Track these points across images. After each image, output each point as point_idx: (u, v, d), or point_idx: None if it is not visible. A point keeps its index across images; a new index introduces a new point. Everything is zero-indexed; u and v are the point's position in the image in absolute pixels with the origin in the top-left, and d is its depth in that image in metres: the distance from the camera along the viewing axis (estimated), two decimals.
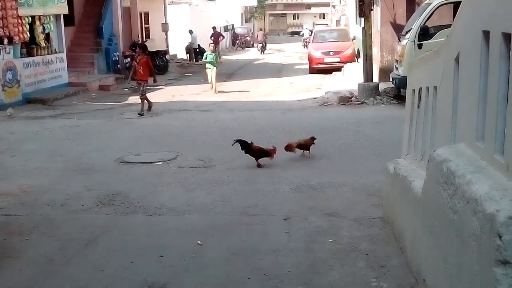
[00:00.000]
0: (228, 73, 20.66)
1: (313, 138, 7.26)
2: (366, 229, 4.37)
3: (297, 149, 7.05)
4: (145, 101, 11.53)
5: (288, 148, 7.03)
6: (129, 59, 17.94)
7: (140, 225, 4.72)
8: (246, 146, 6.80)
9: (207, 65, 15.11)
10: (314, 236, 4.25)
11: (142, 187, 5.89)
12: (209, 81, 15.19)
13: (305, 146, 7.11)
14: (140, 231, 4.55)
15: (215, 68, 14.97)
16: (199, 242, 4.20)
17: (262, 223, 4.63)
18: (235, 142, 6.83)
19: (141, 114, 11.13)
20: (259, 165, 6.64)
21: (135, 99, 13.65)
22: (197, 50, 25.51)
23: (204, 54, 15.75)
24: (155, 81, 12.06)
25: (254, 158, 6.71)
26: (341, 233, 4.31)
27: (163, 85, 17.43)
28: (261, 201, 5.27)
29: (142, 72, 11.54)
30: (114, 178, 6.36)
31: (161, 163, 7.03)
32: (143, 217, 4.91)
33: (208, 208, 5.10)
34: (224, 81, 18.23)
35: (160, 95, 14.91)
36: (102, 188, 5.86)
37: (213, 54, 15.27)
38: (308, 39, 34.86)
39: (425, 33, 10.47)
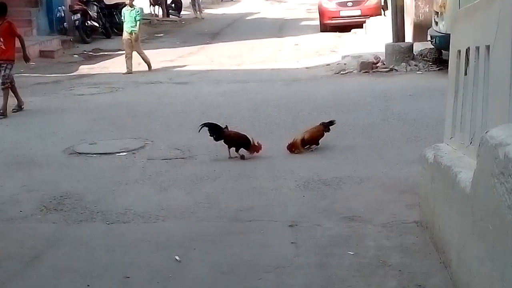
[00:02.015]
0: (211, 33, 20.60)
1: (326, 125, 6.91)
2: (398, 238, 4.39)
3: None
4: (14, 94, 9.54)
5: (293, 147, 6.64)
6: (79, 15, 17.88)
7: (99, 236, 4.72)
8: (217, 132, 6.61)
9: (124, 30, 13.37)
10: (329, 248, 4.27)
11: (100, 186, 5.89)
12: (126, 52, 13.27)
13: (313, 139, 6.79)
14: (99, 244, 4.56)
15: (133, 34, 13.14)
16: (177, 257, 4.21)
17: (261, 232, 4.65)
18: (202, 127, 6.68)
19: (1, 115, 9.18)
20: (242, 157, 6.57)
21: (88, 68, 13.61)
22: (172, 2, 25.36)
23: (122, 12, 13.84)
24: (27, 60, 9.92)
25: (233, 148, 6.58)
26: (365, 243, 4.33)
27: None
28: (259, 203, 5.29)
29: (4, 48, 9.30)
30: (62, 174, 6.35)
31: (124, 153, 7.03)
32: (103, 226, 4.91)
33: (188, 212, 5.12)
34: (207, 43, 18.18)
35: (122, 63, 14.81)
36: (47, 188, 5.86)
37: (132, 10, 13.23)
38: None
39: None
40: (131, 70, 13.21)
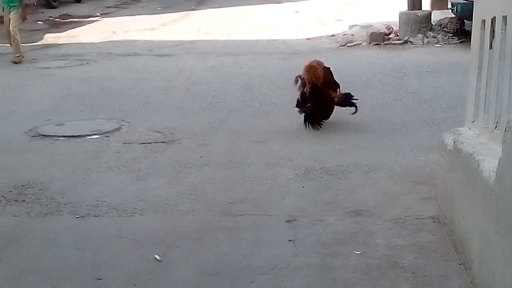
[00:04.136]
0: None
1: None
2: (412, 235, 4.41)
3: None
4: None
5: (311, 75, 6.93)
6: None
7: (67, 231, 4.72)
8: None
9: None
10: (332, 247, 4.29)
11: (69, 174, 5.89)
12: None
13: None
14: (67, 241, 4.56)
15: (15, 9, 11.61)
16: (157, 257, 4.22)
17: (254, 228, 4.66)
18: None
19: None
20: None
21: (54, 37, 13.57)
22: None
23: None
24: None
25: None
26: (373, 242, 4.35)
27: (98, 16, 17.27)
28: (252, 194, 5.30)
29: None
30: (24, 160, 6.35)
31: (97, 136, 7.02)
32: (71, 220, 4.91)
33: (170, 205, 5.12)
34: (193, 9, 18.09)
35: (94, 31, 14.78)
36: (7, 176, 5.84)
37: None
38: None
39: None
40: (22, 55, 11.67)
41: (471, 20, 4.67)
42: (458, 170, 4.02)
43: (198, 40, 13.44)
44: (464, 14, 10.67)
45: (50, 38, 14.13)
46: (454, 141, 4.15)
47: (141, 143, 6.72)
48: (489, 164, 3.36)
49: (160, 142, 6.76)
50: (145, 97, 8.68)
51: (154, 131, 7.12)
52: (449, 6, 11.71)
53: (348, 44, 12.05)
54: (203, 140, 6.73)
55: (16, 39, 11.58)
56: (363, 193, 5.21)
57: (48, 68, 10.96)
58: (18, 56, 11.57)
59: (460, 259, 3.95)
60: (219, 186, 5.49)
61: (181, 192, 5.36)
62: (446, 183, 4.35)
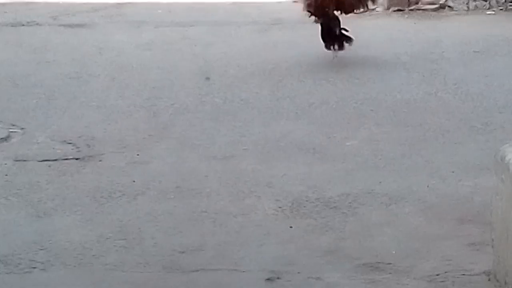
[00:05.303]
0: None
1: None
2: None
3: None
4: None
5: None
6: None
7: None
8: None
9: None
10: None
11: None
12: None
13: None
14: None
15: None
16: None
17: None
18: None
19: None
20: None
21: None
22: None
23: None
24: None
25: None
26: None
27: None
28: (213, 239, 5.31)
29: None
30: None
31: None
32: None
33: (88, 255, 5.09)
34: None
35: None
36: None
37: None
38: None
39: None
40: None
41: None
42: None
43: (128, 3, 13.41)
44: None
45: None
46: None
47: (42, 160, 6.70)
48: None
49: (72, 158, 6.74)
50: (47, 89, 8.64)
51: (62, 141, 7.10)
52: None
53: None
54: (138, 156, 6.73)
55: None
56: (381, 237, 5.24)
57: None
58: None
59: None
60: (162, 226, 5.49)
61: (104, 235, 5.34)
62: (507, 221, 4.38)
